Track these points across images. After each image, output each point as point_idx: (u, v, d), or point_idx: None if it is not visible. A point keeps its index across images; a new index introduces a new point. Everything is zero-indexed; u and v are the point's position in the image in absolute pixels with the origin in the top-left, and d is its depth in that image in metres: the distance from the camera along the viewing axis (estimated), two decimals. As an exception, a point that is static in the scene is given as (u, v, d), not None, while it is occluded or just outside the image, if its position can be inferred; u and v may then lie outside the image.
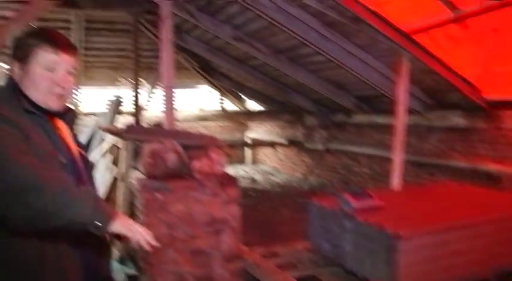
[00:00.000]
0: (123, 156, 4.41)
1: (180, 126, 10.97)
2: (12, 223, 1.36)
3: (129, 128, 4.35)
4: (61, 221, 1.35)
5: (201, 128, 11.54)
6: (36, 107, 1.58)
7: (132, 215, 4.21)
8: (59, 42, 1.61)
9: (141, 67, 7.63)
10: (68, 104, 1.76)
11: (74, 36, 7.73)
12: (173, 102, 4.72)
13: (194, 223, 3.77)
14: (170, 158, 3.99)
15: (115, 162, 4.98)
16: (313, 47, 5.63)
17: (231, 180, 3.94)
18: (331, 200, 2.91)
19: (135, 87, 6.99)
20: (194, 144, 4.24)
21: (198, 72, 9.42)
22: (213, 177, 3.92)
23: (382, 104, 6.96)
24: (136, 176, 4.34)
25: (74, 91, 1.61)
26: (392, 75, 5.38)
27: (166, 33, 4.54)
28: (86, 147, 1.88)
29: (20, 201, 1.32)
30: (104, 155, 5.79)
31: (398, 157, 4.59)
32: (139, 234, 1.53)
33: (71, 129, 1.78)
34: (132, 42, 6.90)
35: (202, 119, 10.88)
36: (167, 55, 4.58)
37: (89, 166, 1.82)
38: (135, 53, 6.83)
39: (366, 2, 4.27)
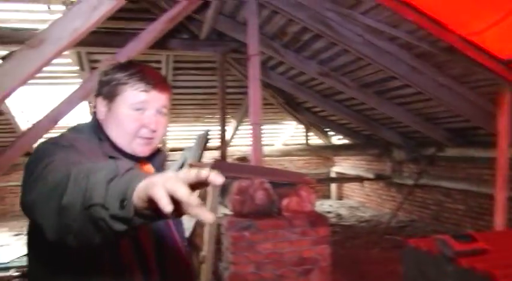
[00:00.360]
0: (210, 192, 4.45)
1: (265, 162, 11.10)
2: (48, 235, 1.08)
3: (216, 164, 4.41)
4: (79, 213, 0.98)
5: (286, 163, 11.56)
6: (119, 151, 1.40)
7: (218, 253, 4.22)
8: (149, 78, 1.39)
9: (227, 104, 7.78)
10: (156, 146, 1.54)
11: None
12: (261, 138, 4.74)
13: (282, 262, 3.71)
14: (258, 196, 4.00)
15: (202, 198, 5.04)
16: (402, 79, 5.45)
17: (321, 218, 3.86)
18: (428, 242, 2.72)
19: (222, 123, 7.12)
20: (283, 181, 4.21)
21: (283, 107, 9.46)
22: (303, 215, 3.86)
23: (477, 136, 6.56)
24: (223, 213, 4.36)
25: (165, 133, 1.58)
26: (490, 107, 5.06)
27: (253, 71, 4.60)
28: None
29: (47, 200, 1.07)
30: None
31: (501, 194, 4.24)
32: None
33: (160, 169, 1.56)
34: (219, 80, 7.07)
35: (288, 154, 10.85)
36: (255, 92, 4.63)
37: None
38: (222, 90, 6.99)
39: (460, 31, 4.08)
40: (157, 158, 1.54)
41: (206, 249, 4.38)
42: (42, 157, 1.22)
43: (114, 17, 6.54)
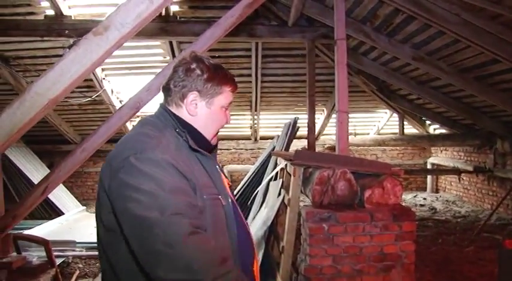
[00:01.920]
0: (293, 182, 4.35)
1: (355, 151, 10.78)
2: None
3: (299, 153, 4.28)
4: None
5: (379, 153, 11.16)
6: (204, 144, 1.57)
7: (298, 244, 4.11)
8: (234, 81, 1.65)
9: (317, 92, 7.61)
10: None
11: (253, 64, 8.07)
12: (347, 126, 4.55)
13: (362, 257, 3.52)
14: (340, 186, 3.82)
15: (285, 187, 4.95)
16: (506, 62, 4.95)
17: (406, 213, 3.60)
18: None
19: (310, 111, 6.96)
20: (367, 172, 4.00)
21: (376, 95, 9.08)
22: (386, 208, 3.63)
23: None
24: (304, 203, 4.23)
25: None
26: None
27: (340, 56, 4.41)
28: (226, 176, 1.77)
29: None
30: (276, 179, 5.83)
31: None
32: None
33: (215, 156, 1.73)
34: (308, 67, 6.90)
35: (381, 144, 10.47)
36: (342, 78, 4.45)
37: (232, 192, 1.73)
38: (311, 78, 6.82)
39: None
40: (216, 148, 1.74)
41: (286, 240, 4.30)
42: (151, 183, 1.32)
43: (205, 6, 6.69)
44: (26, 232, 5.87)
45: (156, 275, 1.26)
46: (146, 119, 1.57)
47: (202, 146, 1.55)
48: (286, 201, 4.56)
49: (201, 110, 1.56)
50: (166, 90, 1.57)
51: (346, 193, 3.66)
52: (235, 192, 7.82)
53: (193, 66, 1.55)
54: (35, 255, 4.25)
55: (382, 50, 6.51)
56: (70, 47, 2.04)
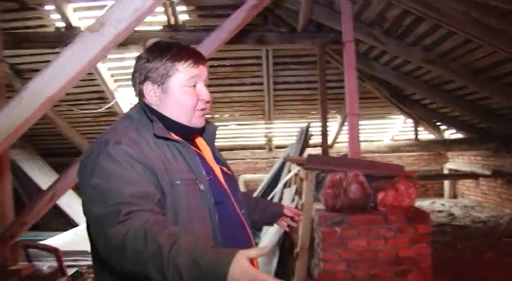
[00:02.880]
0: (306, 186, 4.30)
1: (369, 157, 10.67)
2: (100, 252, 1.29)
3: (311, 158, 4.23)
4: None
5: (394, 159, 11.02)
6: (175, 128, 1.48)
7: (312, 249, 4.04)
8: (194, 54, 1.49)
9: (329, 98, 7.56)
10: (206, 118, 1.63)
11: (264, 72, 8.06)
12: (358, 130, 4.50)
13: (376, 261, 3.43)
14: (352, 189, 3.75)
15: (299, 193, 4.90)
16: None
17: (420, 215, 3.52)
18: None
19: (323, 118, 6.90)
20: (379, 174, 3.92)
21: (389, 100, 8.99)
22: (400, 211, 3.55)
23: None
24: (317, 207, 4.17)
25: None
26: None
27: (349, 58, 4.37)
28: (224, 160, 1.69)
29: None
30: (289, 185, 5.79)
31: None
32: None
33: (212, 143, 1.65)
34: (319, 73, 6.86)
35: (396, 150, 10.36)
36: (351, 81, 4.40)
37: (233, 182, 1.66)
38: (322, 84, 6.77)
39: None
40: (208, 130, 1.64)
41: (300, 245, 4.24)
42: (99, 175, 1.30)
43: (213, 14, 6.71)
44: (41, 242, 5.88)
45: (120, 270, 1.23)
46: (127, 112, 1.56)
47: (180, 131, 1.48)
48: (299, 206, 4.51)
49: (161, 97, 1.47)
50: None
51: (359, 196, 3.59)
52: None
53: (141, 55, 1.50)
54: (46, 264, 4.24)
55: (393, 54, 6.45)
56: (66, 44, 2.00)
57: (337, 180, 3.66)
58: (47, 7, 6.69)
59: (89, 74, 7.36)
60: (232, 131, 10.70)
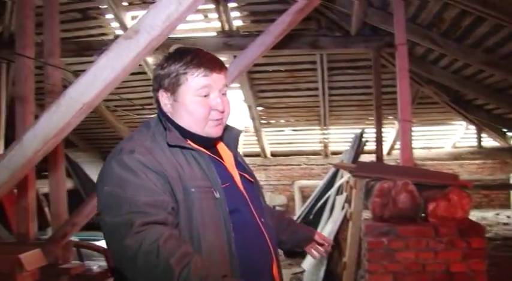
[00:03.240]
0: (354, 194, 4.17)
1: (431, 166, 10.27)
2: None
3: (360, 165, 4.10)
4: None
5: (456, 167, 10.55)
6: (192, 137, 1.45)
7: (359, 260, 3.90)
8: (207, 62, 1.42)
9: (386, 104, 7.34)
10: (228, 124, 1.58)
11: (319, 77, 7.96)
12: (411, 137, 4.33)
13: (425, 275, 3.24)
14: (401, 198, 3.58)
15: (348, 200, 4.77)
16: None
17: (474, 227, 3.30)
18: None
19: (377, 124, 6.70)
20: (431, 183, 3.73)
21: (449, 106, 8.62)
22: (452, 223, 3.35)
23: None
24: (365, 217, 4.03)
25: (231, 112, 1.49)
26: None
27: (401, 62, 4.22)
28: (247, 166, 1.63)
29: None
30: (341, 192, 5.65)
31: None
32: None
33: (235, 148, 1.59)
34: (373, 77, 6.68)
35: (457, 158, 9.94)
36: (403, 85, 4.26)
37: (256, 188, 1.60)
38: (377, 89, 6.58)
39: None
40: (229, 135, 1.59)
41: (347, 255, 4.10)
42: (113, 183, 1.31)
43: (267, 19, 6.69)
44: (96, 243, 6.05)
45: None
46: (147, 121, 1.54)
47: (195, 139, 1.45)
48: (348, 215, 4.38)
49: (173, 105, 1.44)
50: None
51: (408, 206, 3.42)
52: (302, 208, 7.67)
53: (159, 62, 1.48)
54: (97, 264, 4.34)
55: (452, 57, 6.17)
56: (102, 52, 2.03)
57: (386, 189, 3.50)
58: (107, 16, 6.95)
59: (145, 80, 7.56)
60: (287, 137, 10.65)
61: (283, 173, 10.83)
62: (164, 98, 1.45)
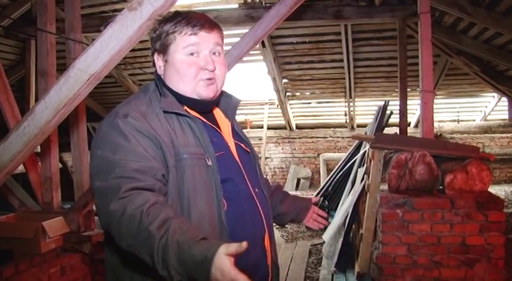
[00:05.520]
0: (372, 166, 4.11)
1: (460, 140, 10.04)
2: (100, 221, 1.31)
3: (378, 136, 4.03)
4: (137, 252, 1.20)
5: (486, 141, 10.30)
6: (187, 101, 1.43)
7: (375, 232, 3.87)
8: (195, 21, 1.40)
9: (413, 75, 7.16)
10: (223, 90, 1.55)
11: (344, 48, 7.80)
12: (432, 109, 4.21)
13: (441, 248, 3.20)
14: (418, 170, 3.52)
15: (368, 172, 4.72)
16: None
17: (493, 200, 3.22)
18: None
19: (402, 96, 6.56)
20: (450, 155, 3.65)
21: (480, 77, 8.35)
22: (470, 195, 3.28)
23: None
24: (382, 188, 3.98)
25: (225, 73, 1.42)
26: None
27: (424, 31, 4.08)
28: (244, 136, 1.61)
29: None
30: (363, 164, 5.59)
31: None
32: None
33: (233, 117, 1.57)
34: (399, 48, 6.50)
35: (488, 131, 9.66)
36: (426, 55, 4.11)
37: (252, 158, 1.57)
38: (402, 60, 6.41)
39: None
40: (228, 103, 1.57)
41: (364, 227, 4.08)
42: (105, 147, 1.31)
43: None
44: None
45: (118, 244, 1.26)
46: (146, 84, 1.54)
47: (191, 104, 1.43)
48: (366, 187, 4.34)
49: (165, 67, 1.44)
50: None
51: (426, 178, 3.37)
52: (324, 181, 7.63)
53: (151, 29, 1.49)
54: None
55: (483, 26, 5.93)
56: (108, 24, 2.04)
57: (403, 160, 3.46)
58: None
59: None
60: (313, 109, 10.55)
61: (309, 145, 10.78)
62: (159, 60, 1.46)
